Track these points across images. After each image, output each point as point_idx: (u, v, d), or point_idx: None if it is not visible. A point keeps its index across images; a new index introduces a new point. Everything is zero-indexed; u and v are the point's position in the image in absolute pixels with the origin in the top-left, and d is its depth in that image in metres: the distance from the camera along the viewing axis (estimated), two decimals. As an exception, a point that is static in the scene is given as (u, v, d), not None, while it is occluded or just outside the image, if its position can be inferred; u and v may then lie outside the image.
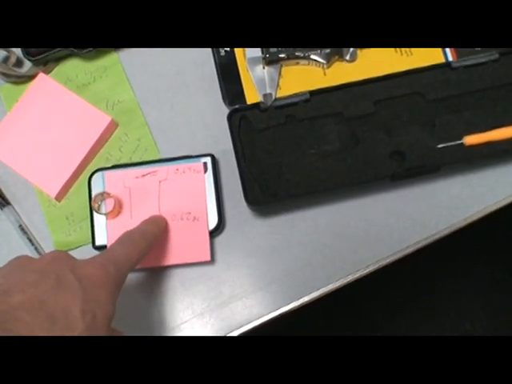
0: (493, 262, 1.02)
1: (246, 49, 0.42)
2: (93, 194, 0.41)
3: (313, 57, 0.41)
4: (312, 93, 0.41)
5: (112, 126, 0.43)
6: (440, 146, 0.40)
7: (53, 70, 0.45)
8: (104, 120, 0.43)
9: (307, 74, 0.42)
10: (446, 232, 0.40)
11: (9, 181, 0.43)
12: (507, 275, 1.01)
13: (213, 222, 0.40)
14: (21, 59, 0.45)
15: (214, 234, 0.40)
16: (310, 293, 0.40)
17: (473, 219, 0.40)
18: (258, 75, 0.42)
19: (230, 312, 0.40)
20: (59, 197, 0.42)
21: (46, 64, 0.45)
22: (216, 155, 0.42)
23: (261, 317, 0.40)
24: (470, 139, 0.39)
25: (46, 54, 0.43)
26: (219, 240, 0.41)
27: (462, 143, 0.40)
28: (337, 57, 0.42)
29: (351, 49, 0.42)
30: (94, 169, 0.42)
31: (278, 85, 0.42)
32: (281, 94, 0.42)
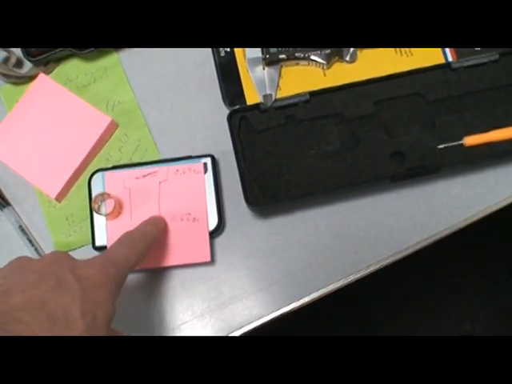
0: (493, 262, 1.02)
1: (246, 49, 0.42)
2: (93, 195, 0.41)
3: (313, 57, 0.41)
4: (312, 93, 0.41)
5: (112, 127, 0.43)
6: (440, 146, 0.40)
7: (53, 70, 0.45)
8: (104, 121, 0.43)
9: (307, 75, 0.42)
10: (447, 232, 0.40)
11: (9, 181, 0.43)
12: (507, 276, 1.01)
13: (213, 222, 0.40)
14: (21, 60, 0.45)
15: (214, 234, 0.40)
16: (310, 293, 0.40)
17: (473, 220, 0.40)
18: (258, 76, 0.42)
19: (230, 313, 0.40)
20: (59, 197, 0.42)
21: (46, 65, 0.45)
22: (216, 156, 0.42)
23: (261, 317, 0.40)
24: (470, 140, 0.39)
25: (46, 55, 0.43)
26: (219, 241, 0.41)
27: (462, 144, 0.40)
28: (337, 57, 0.42)
29: (351, 49, 0.42)
30: (94, 169, 0.42)
31: (278, 85, 0.42)
32: (281, 94, 0.42)
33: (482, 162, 0.41)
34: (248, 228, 0.41)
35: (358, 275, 0.40)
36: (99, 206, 0.40)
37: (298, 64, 0.42)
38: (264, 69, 0.42)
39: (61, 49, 0.43)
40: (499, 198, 0.41)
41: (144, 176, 0.41)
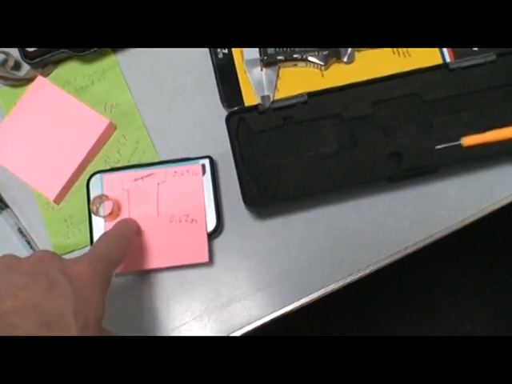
0: (493, 262, 1.02)
1: (244, 51, 0.42)
2: (91, 197, 0.41)
3: (310, 59, 0.42)
4: (310, 94, 0.41)
5: (110, 129, 0.44)
6: (438, 147, 0.40)
7: (51, 72, 0.45)
8: (102, 123, 0.43)
9: (305, 76, 0.42)
10: (445, 233, 0.40)
11: (7, 184, 0.43)
12: (507, 275, 1.01)
13: (211, 223, 0.40)
14: (19, 62, 0.45)
15: (212, 235, 0.40)
16: (308, 294, 0.40)
17: (471, 220, 0.40)
18: (255, 77, 0.42)
19: (229, 314, 0.40)
20: (58, 199, 0.42)
21: (44, 67, 0.45)
22: (214, 157, 0.42)
23: (260, 318, 0.40)
24: (468, 140, 0.39)
25: (44, 57, 0.43)
26: (218, 242, 0.41)
27: (459, 144, 0.40)
28: (334, 58, 0.42)
29: (349, 50, 0.42)
30: (93, 171, 0.42)
31: (275, 87, 0.42)
32: (279, 95, 0.42)
33: (480, 162, 0.41)
34: (246, 229, 0.41)
35: (357, 276, 0.40)
36: (97, 208, 0.40)
37: (295, 65, 0.42)
38: (262, 70, 0.42)
39: (58, 51, 0.43)
40: (497, 199, 0.41)
41: (142, 178, 0.41)
